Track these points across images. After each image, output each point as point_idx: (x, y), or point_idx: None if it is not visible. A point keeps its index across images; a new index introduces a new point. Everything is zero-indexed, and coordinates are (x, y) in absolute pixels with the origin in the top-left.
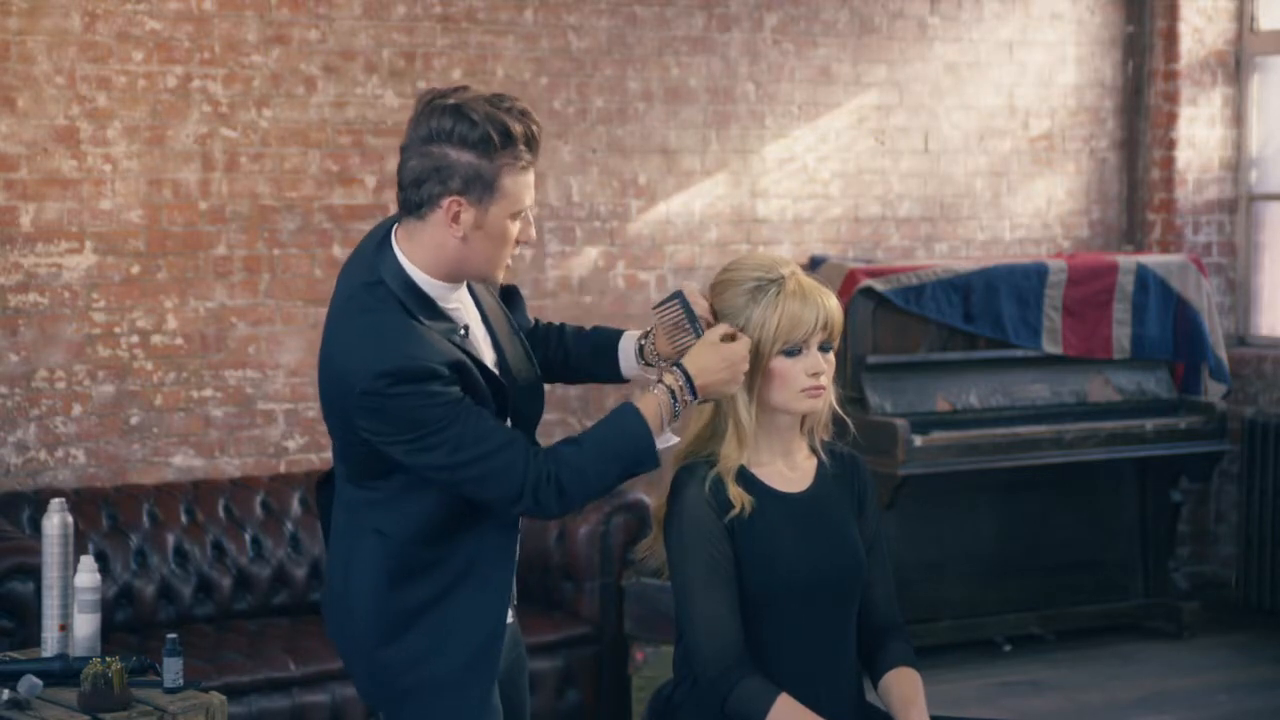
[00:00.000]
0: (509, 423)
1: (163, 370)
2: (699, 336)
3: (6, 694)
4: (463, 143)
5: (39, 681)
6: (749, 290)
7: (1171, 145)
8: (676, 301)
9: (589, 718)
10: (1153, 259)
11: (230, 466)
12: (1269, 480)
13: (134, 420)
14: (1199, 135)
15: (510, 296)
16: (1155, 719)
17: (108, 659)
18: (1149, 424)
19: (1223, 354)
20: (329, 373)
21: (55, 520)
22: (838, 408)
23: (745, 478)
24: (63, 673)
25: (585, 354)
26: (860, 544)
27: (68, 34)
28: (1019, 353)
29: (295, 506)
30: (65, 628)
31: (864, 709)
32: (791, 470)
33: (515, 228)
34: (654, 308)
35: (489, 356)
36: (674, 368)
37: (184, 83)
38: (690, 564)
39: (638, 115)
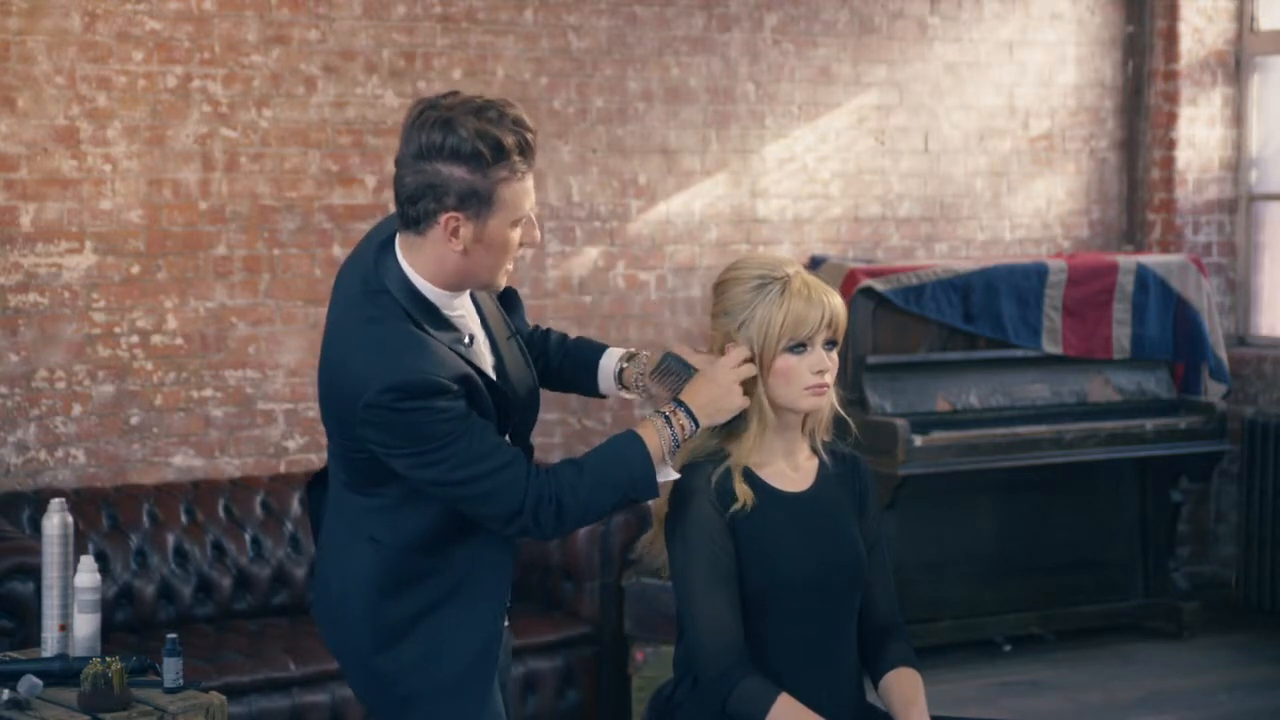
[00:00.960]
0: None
1: (163, 370)
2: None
3: (6, 694)
4: (455, 158)
5: (39, 681)
6: (754, 287)
7: (1171, 145)
8: (669, 362)
9: (589, 718)
10: (1153, 259)
11: (230, 466)
12: (1269, 480)
13: (134, 420)
14: (1199, 135)
15: (509, 300)
16: (1155, 719)
17: (108, 659)
18: (1149, 424)
19: (1223, 354)
20: (332, 381)
21: (55, 520)
22: (840, 409)
23: (748, 476)
24: (63, 673)
25: (566, 366)
26: (861, 544)
27: (68, 34)
28: (1019, 353)
29: (295, 506)
30: (65, 628)
31: (864, 709)
32: (793, 470)
33: (517, 234)
34: (651, 375)
35: (488, 362)
36: (673, 403)
37: (184, 83)
38: (692, 563)
39: (638, 115)
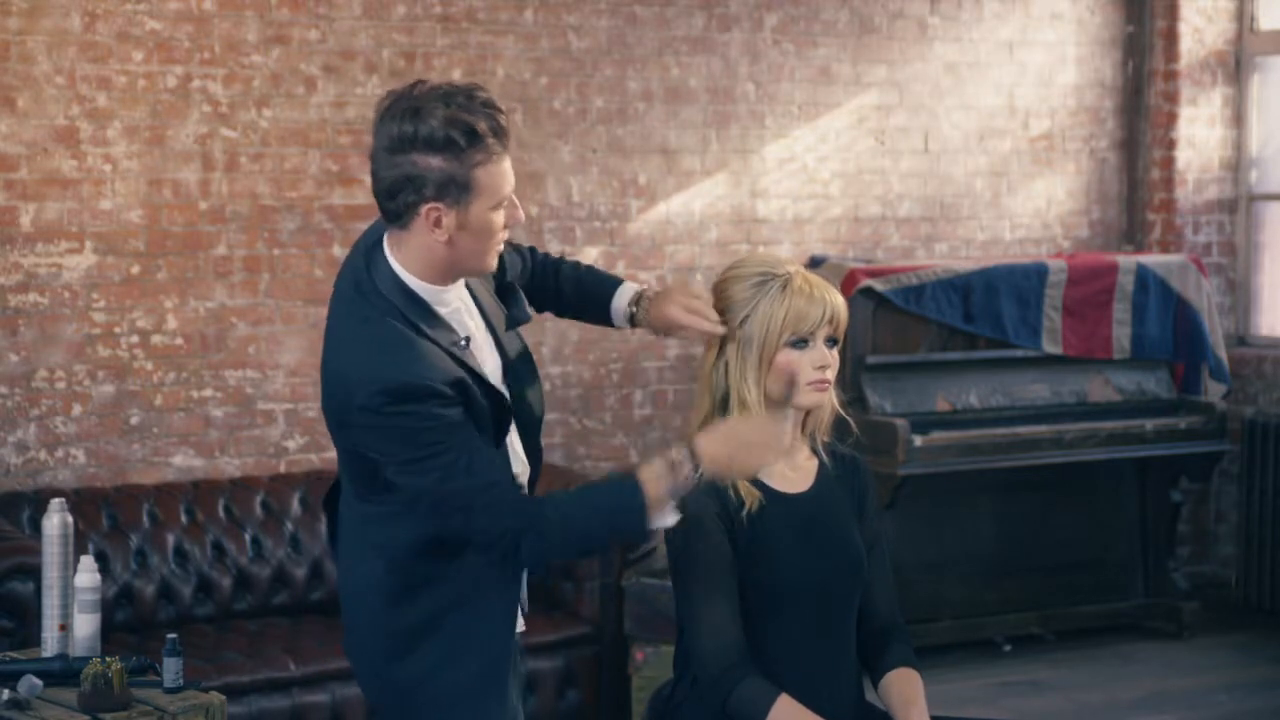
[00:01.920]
0: (511, 428)
1: (163, 370)
2: None
3: (6, 694)
4: (428, 148)
5: (39, 681)
6: (755, 284)
7: (1171, 145)
8: None
9: (589, 718)
10: (1153, 259)
11: (230, 466)
12: (1269, 480)
13: (134, 420)
14: (1199, 135)
15: (507, 293)
16: (1155, 719)
17: (108, 659)
18: (1149, 424)
19: (1223, 354)
20: (329, 383)
21: (55, 520)
22: (840, 409)
23: None
24: (63, 673)
25: (577, 299)
26: (861, 545)
27: (68, 34)
28: (1019, 353)
29: (295, 506)
30: (65, 628)
31: (864, 709)
32: (793, 471)
33: (500, 216)
34: None
35: (490, 362)
36: (685, 449)
37: (184, 83)
38: (692, 563)
39: (638, 115)
